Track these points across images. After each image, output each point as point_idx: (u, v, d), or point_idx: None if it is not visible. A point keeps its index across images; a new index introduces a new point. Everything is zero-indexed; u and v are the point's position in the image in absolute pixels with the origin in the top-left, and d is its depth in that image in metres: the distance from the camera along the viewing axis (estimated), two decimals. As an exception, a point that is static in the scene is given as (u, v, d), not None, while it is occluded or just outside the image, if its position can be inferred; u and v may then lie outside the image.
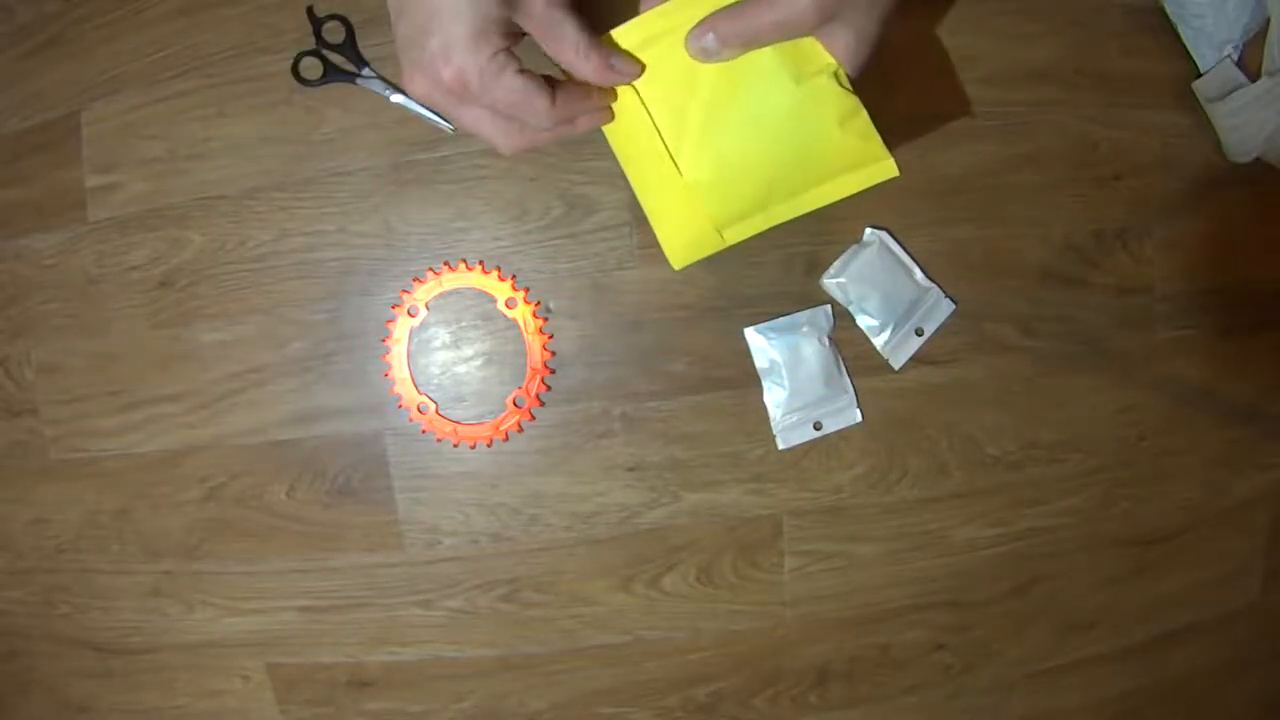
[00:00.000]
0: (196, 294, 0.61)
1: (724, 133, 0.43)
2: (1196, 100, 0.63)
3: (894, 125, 0.61)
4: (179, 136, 0.60)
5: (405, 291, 0.60)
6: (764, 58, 0.42)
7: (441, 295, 0.61)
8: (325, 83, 0.58)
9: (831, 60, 0.41)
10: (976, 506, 0.65)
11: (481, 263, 0.60)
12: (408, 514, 0.62)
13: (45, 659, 0.68)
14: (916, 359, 0.63)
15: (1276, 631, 0.73)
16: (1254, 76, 0.61)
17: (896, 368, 0.63)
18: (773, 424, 0.62)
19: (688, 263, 0.46)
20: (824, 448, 0.63)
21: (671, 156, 0.43)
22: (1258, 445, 0.69)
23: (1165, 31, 0.63)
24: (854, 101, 0.43)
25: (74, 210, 0.62)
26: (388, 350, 0.61)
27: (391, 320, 0.60)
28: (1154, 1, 0.63)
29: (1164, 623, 0.70)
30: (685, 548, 0.64)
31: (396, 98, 0.58)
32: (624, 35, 0.41)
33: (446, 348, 0.61)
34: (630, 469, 0.62)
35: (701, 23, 0.39)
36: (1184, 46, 0.63)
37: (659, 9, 0.41)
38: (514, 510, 0.63)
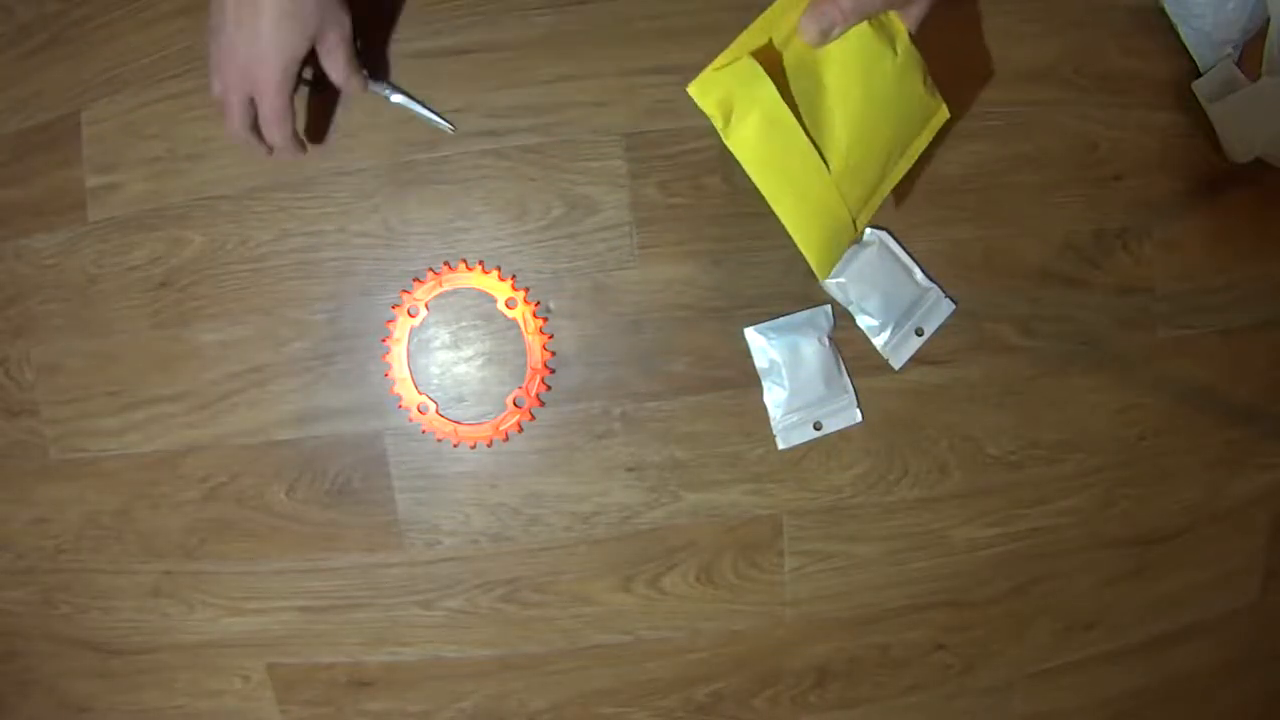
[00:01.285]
0: (196, 294, 0.61)
1: (850, 117, 0.43)
2: (1196, 100, 0.63)
3: (894, 125, 0.62)
4: (179, 136, 0.60)
5: (405, 291, 0.60)
6: (866, 36, 0.43)
7: (441, 295, 0.61)
8: (323, 85, 0.58)
9: (904, 26, 0.45)
10: (976, 506, 0.65)
11: (481, 263, 0.60)
12: (408, 514, 0.62)
13: (45, 659, 0.68)
14: (916, 359, 0.63)
15: (1276, 631, 0.73)
16: (1254, 76, 0.61)
17: (896, 368, 0.63)
18: (773, 424, 0.62)
19: (832, 268, 0.46)
20: (824, 448, 0.63)
21: (820, 153, 0.42)
22: (1258, 445, 0.69)
23: (1165, 31, 0.63)
24: (924, 62, 0.46)
25: (74, 210, 0.62)
26: (388, 350, 0.61)
27: (391, 320, 0.60)
28: (1154, 1, 0.63)
29: (1164, 623, 0.70)
30: (685, 548, 0.64)
31: (397, 98, 0.58)
32: (751, 40, 0.41)
33: (446, 348, 0.61)
34: (630, 469, 0.62)
35: (816, 4, 0.41)
36: (1184, 46, 0.63)
37: (768, 15, 0.41)
38: (514, 510, 0.63)
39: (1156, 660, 0.71)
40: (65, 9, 0.61)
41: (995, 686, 0.69)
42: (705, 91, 0.40)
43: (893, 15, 0.44)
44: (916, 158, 0.48)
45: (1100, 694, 0.71)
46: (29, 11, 0.62)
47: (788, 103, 0.41)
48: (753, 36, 0.41)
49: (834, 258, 0.46)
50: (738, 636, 0.65)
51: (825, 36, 0.41)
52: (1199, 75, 0.63)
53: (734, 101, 0.40)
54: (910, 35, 0.45)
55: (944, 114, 0.48)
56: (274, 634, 0.65)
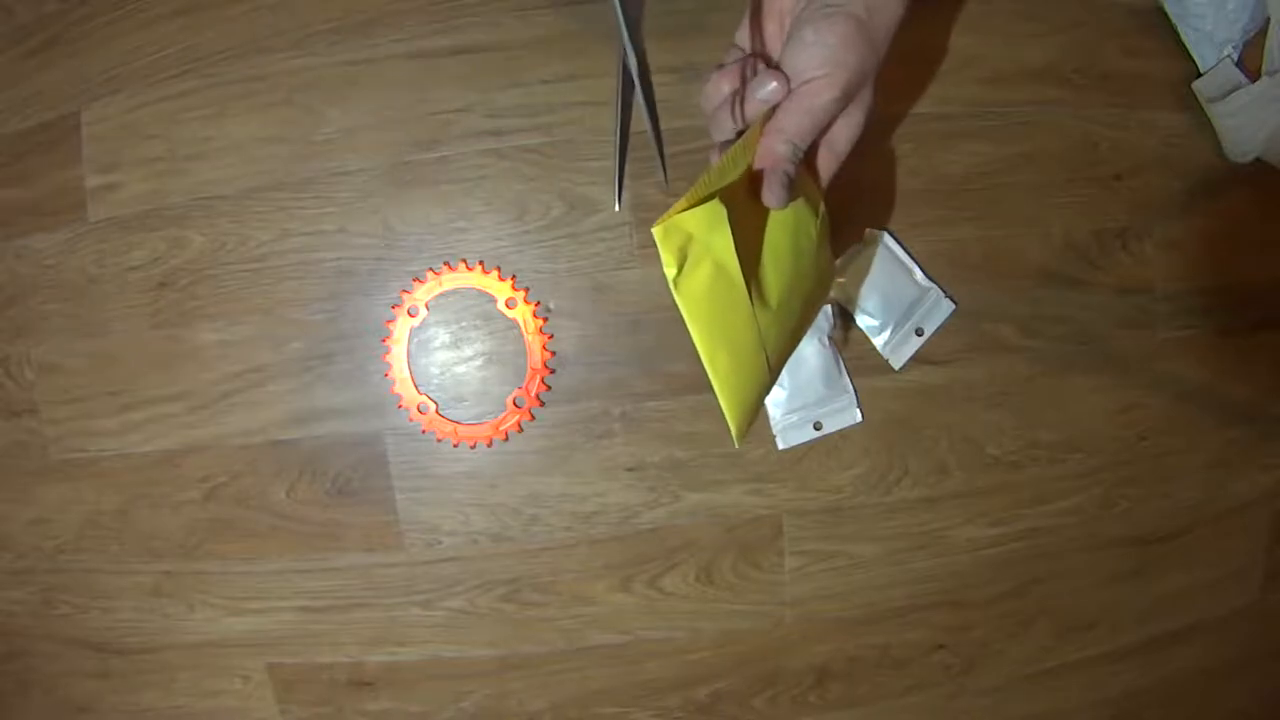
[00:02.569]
0: (196, 294, 0.61)
1: (783, 278, 0.42)
2: (1196, 100, 0.63)
3: (895, 125, 0.62)
4: (179, 136, 0.61)
5: (405, 291, 0.60)
6: (798, 200, 0.42)
7: (441, 295, 0.61)
8: None
9: (820, 194, 0.44)
10: (976, 506, 0.65)
11: (481, 263, 0.60)
12: (408, 514, 0.62)
13: (45, 659, 0.68)
14: (916, 359, 0.63)
15: (1276, 631, 0.73)
16: (1254, 76, 0.61)
17: (896, 368, 0.63)
18: (773, 424, 0.62)
19: (748, 429, 0.43)
20: (824, 448, 0.63)
21: (752, 307, 0.40)
22: (1258, 445, 0.69)
23: (1165, 31, 0.63)
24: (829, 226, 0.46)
25: (74, 210, 0.62)
26: (388, 350, 0.61)
27: (391, 320, 0.60)
28: (1154, 1, 0.63)
29: (1164, 623, 0.70)
30: (685, 548, 0.64)
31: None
32: (705, 189, 0.38)
33: (446, 348, 0.61)
34: (630, 469, 0.62)
35: (767, 162, 0.39)
36: (1184, 46, 0.63)
37: (724, 163, 0.39)
38: (514, 510, 0.63)
39: (1156, 660, 0.71)
40: (65, 9, 0.61)
41: (995, 686, 0.69)
42: (668, 235, 0.36)
43: (813, 186, 0.44)
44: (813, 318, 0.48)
45: (1100, 694, 0.71)
46: (29, 11, 0.62)
47: (741, 243, 0.38)
48: (706, 186, 0.38)
49: (751, 419, 0.43)
50: (738, 636, 0.65)
51: (789, 192, 0.40)
52: (1199, 75, 0.63)
53: (690, 248, 0.37)
54: (821, 192, 0.45)
55: (833, 285, 0.48)
56: (274, 634, 0.65)
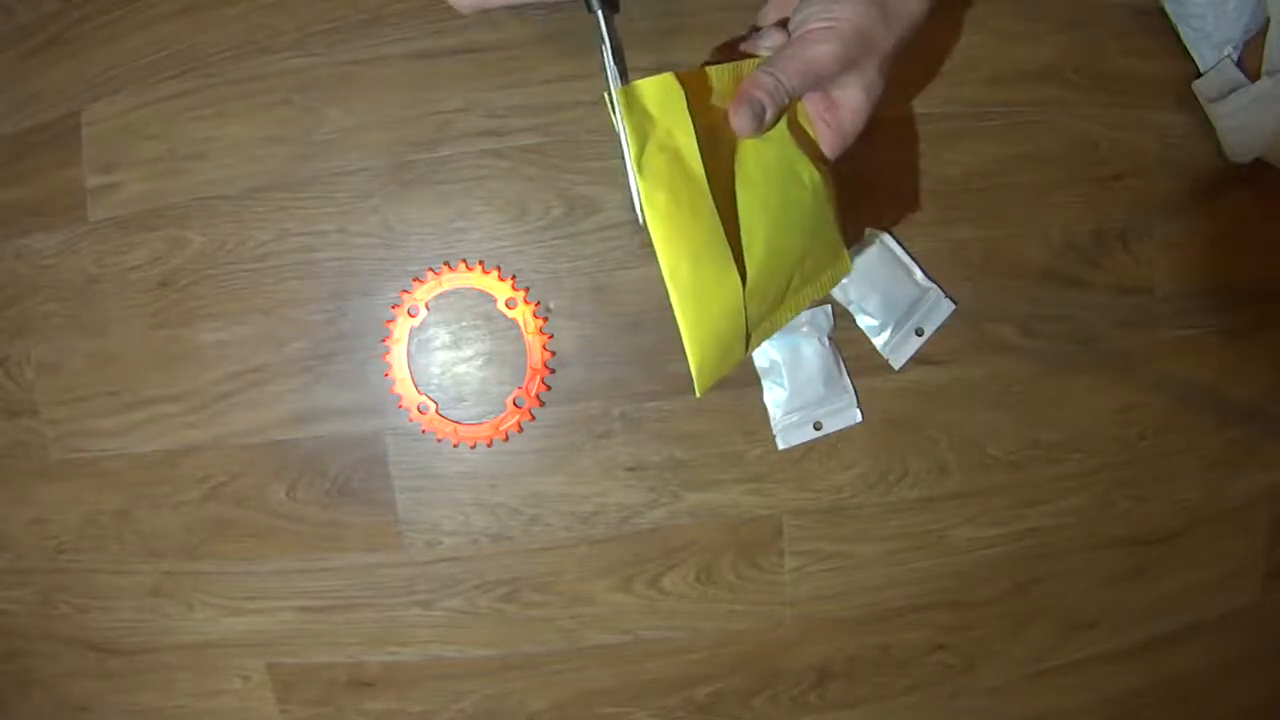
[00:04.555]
0: (196, 294, 0.61)
1: (765, 223, 0.40)
2: (1196, 100, 0.63)
3: (894, 126, 0.62)
4: (179, 136, 0.61)
5: (405, 291, 0.60)
6: (788, 143, 0.41)
7: (441, 295, 0.61)
8: None
9: (823, 169, 0.42)
10: (976, 506, 0.65)
11: (481, 263, 0.60)
12: (408, 514, 0.62)
13: (45, 659, 0.68)
14: (916, 359, 0.63)
15: (1276, 631, 0.73)
16: (1254, 76, 0.61)
17: (896, 368, 0.63)
18: (773, 424, 0.62)
19: (710, 384, 0.40)
20: (824, 448, 0.63)
21: (736, 256, 0.38)
22: (1258, 445, 0.69)
23: (1165, 31, 0.63)
24: (837, 194, 0.43)
25: (74, 210, 0.62)
26: (388, 350, 0.61)
27: (391, 320, 0.60)
28: (1154, 1, 0.63)
29: (1164, 623, 0.70)
30: (685, 548, 0.64)
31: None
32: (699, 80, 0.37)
33: (446, 348, 0.61)
34: (630, 469, 0.62)
35: (745, 87, 0.39)
36: (1184, 46, 0.63)
37: (706, 72, 0.38)
38: (514, 510, 0.63)
39: (1156, 660, 0.71)
40: (65, 9, 0.61)
41: (995, 686, 0.69)
42: (630, 107, 0.34)
43: (817, 143, 0.43)
44: (811, 302, 0.44)
45: (1100, 694, 0.71)
46: (29, 11, 0.62)
47: (717, 191, 0.37)
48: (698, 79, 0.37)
49: (716, 371, 0.40)
50: (738, 636, 0.65)
51: (759, 121, 0.39)
52: (1199, 75, 0.63)
53: (652, 130, 0.35)
54: (828, 166, 0.43)
55: (846, 267, 0.45)
56: (274, 634, 0.65)
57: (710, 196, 0.37)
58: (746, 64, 0.40)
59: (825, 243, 0.44)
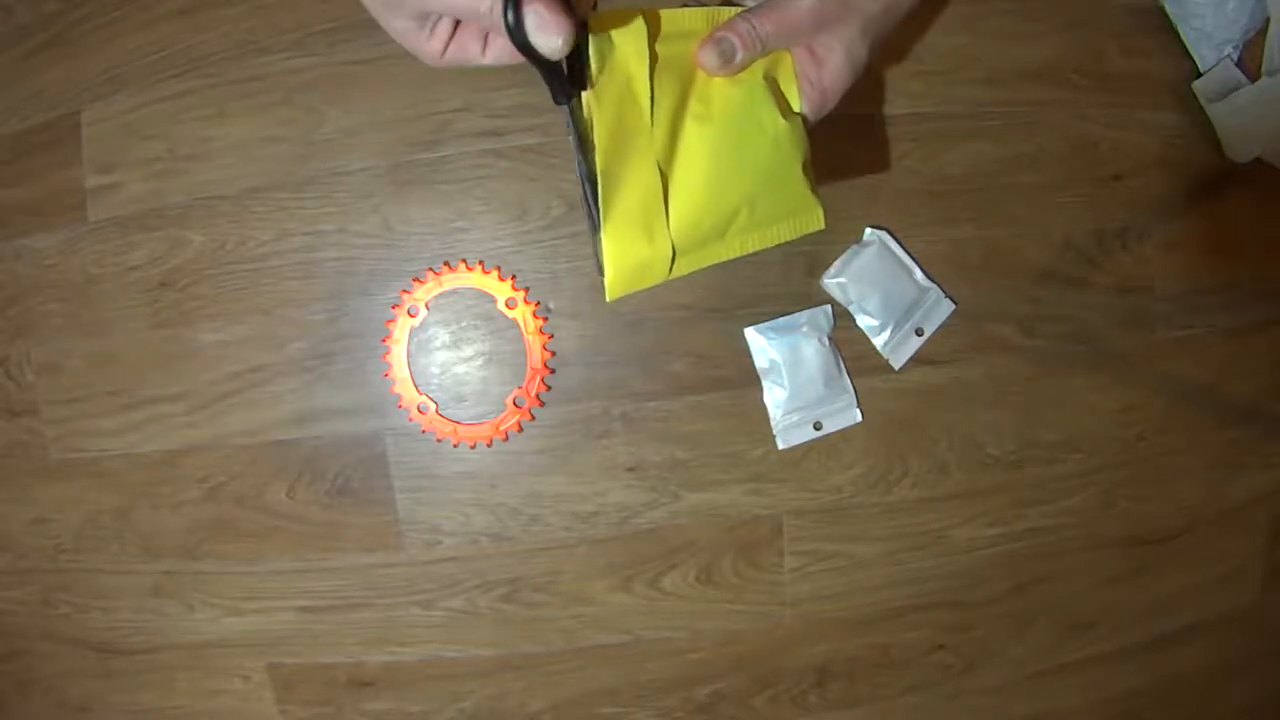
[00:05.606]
0: (196, 294, 0.61)
1: (709, 156, 0.41)
2: (1196, 100, 0.63)
3: (895, 126, 0.62)
4: (179, 136, 0.61)
5: (405, 291, 0.60)
6: (757, 90, 0.42)
7: (441, 295, 0.61)
8: None
9: (804, 109, 0.43)
10: (976, 506, 0.65)
11: (481, 263, 0.60)
12: (408, 514, 0.62)
13: (45, 659, 0.68)
14: (916, 359, 0.63)
15: (1276, 631, 0.73)
16: (1254, 76, 0.61)
17: (896, 368, 0.63)
18: (773, 424, 0.62)
19: (623, 294, 0.40)
20: (824, 448, 0.63)
21: (660, 164, 0.40)
22: (1258, 445, 0.69)
23: (1165, 31, 0.63)
24: (809, 149, 0.43)
25: (74, 210, 0.62)
26: (388, 350, 0.61)
27: (391, 320, 0.60)
28: (1154, 1, 0.63)
29: (1164, 623, 0.70)
30: (685, 548, 0.64)
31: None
32: (645, 23, 0.39)
33: (446, 348, 0.61)
34: (630, 469, 0.62)
35: (719, 29, 0.40)
36: (1184, 46, 0.63)
37: (681, 12, 0.40)
38: (514, 510, 0.63)
39: (1156, 660, 0.71)
40: (65, 9, 0.61)
41: (995, 686, 0.69)
42: (598, 32, 0.37)
43: (794, 91, 0.43)
44: (767, 245, 0.44)
45: (1100, 694, 0.71)
46: (29, 11, 0.62)
47: (664, 94, 0.39)
48: (681, 19, 0.39)
49: (630, 283, 0.40)
50: (738, 636, 0.65)
51: (727, 61, 0.39)
52: (1199, 75, 0.63)
53: (612, 58, 0.38)
54: (803, 124, 0.43)
55: (818, 222, 0.45)
56: (274, 634, 0.65)
57: (649, 122, 0.39)
58: (726, 11, 0.41)
59: (788, 193, 0.45)
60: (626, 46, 0.38)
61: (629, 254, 0.40)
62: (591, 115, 0.38)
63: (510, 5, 0.32)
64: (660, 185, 0.40)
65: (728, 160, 0.41)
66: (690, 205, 0.41)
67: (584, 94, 0.38)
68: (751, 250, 0.44)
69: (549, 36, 0.32)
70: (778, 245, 0.45)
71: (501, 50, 0.39)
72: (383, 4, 0.36)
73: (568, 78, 0.37)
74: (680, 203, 0.41)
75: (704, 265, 0.43)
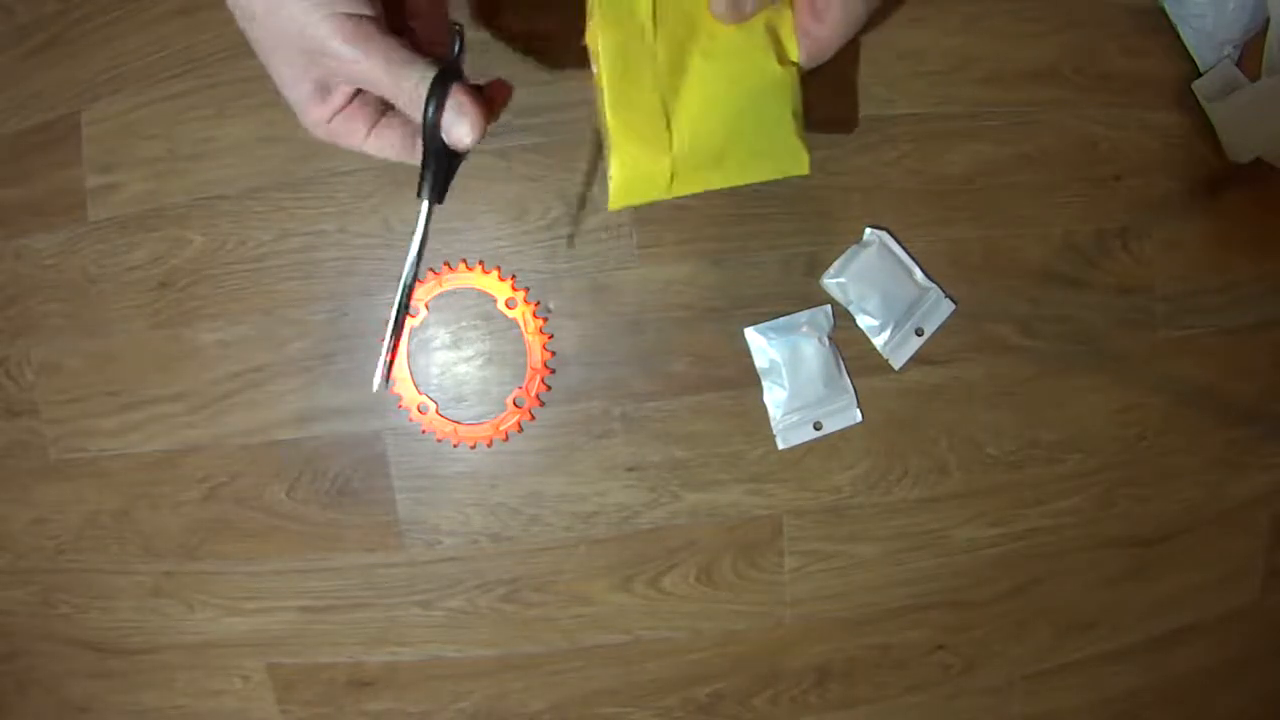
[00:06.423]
0: (196, 294, 0.61)
1: (710, 89, 0.44)
2: (1196, 100, 0.63)
3: (894, 126, 0.62)
4: (179, 136, 0.60)
5: (405, 291, 0.60)
6: (758, 36, 0.44)
7: (441, 295, 0.61)
8: None
9: (799, 57, 0.45)
10: (976, 506, 0.65)
11: (481, 263, 0.60)
12: (408, 514, 0.62)
13: (45, 659, 0.68)
14: (916, 359, 0.63)
15: (1276, 631, 0.73)
16: (1254, 76, 0.61)
17: (896, 368, 0.63)
18: (773, 424, 0.62)
19: (626, 204, 0.44)
20: (824, 448, 0.63)
21: (663, 91, 0.43)
22: (1258, 445, 0.69)
23: (1165, 31, 0.63)
24: (800, 100, 0.45)
25: (74, 210, 0.62)
26: (388, 350, 0.61)
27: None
28: (1154, 1, 0.63)
29: (1164, 623, 0.70)
30: (685, 548, 0.64)
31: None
32: None
33: (446, 348, 0.61)
34: (630, 469, 0.62)
35: None
36: (1184, 46, 0.63)
37: None
38: (514, 510, 0.63)
39: (1156, 660, 0.71)
40: (65, 9, 0.61)
41: (995, 686, 0.69)
42: None
43: (794, 44, 0.45)
44: (751, 181, 0.47)
45: (1100, 694, 0.71)
46: (29, 11, 0.62)
47: (669, 19, 0.41)
48: None
49: (634, 193, 0.44)
50: (738, 636, 0.65)
51: (737, 10, 0.41)
52: (1199, 75, 0.63)
53: None
54: (799, 71, 0.45)
55: (804, 167, 0.49)
56: (274, 634, 0.65)
57: (652, 48, 0.42)
58: None
59: (778, 136, 0.47)
60: None
61: (636, 163, 0.43)
62: (598, 36, 0.41)
63: (436, 86, 0.32)
64: (662, 108, 0.43)
65: (726, 95, 0.44)
66: (690, 131, 0.43)
67: (591, 19, 0.40)
68: (738, 183, 0.47)
69: (464, 128, 0.33)
70: (762, 183, 0.46)
71: (387, 142, 0.39)
72: (283, 58, 0.35)
73: (447, 178, 0.37)
74: (681, 127, 0.43)
75: (697, 190, 0.46)
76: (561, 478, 0.62)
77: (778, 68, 0.45)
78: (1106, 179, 0.64)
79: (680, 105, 0.43)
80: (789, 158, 0.48)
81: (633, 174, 0.43)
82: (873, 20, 0.44)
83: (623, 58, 0.42)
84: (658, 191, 0.44)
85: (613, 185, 0.42)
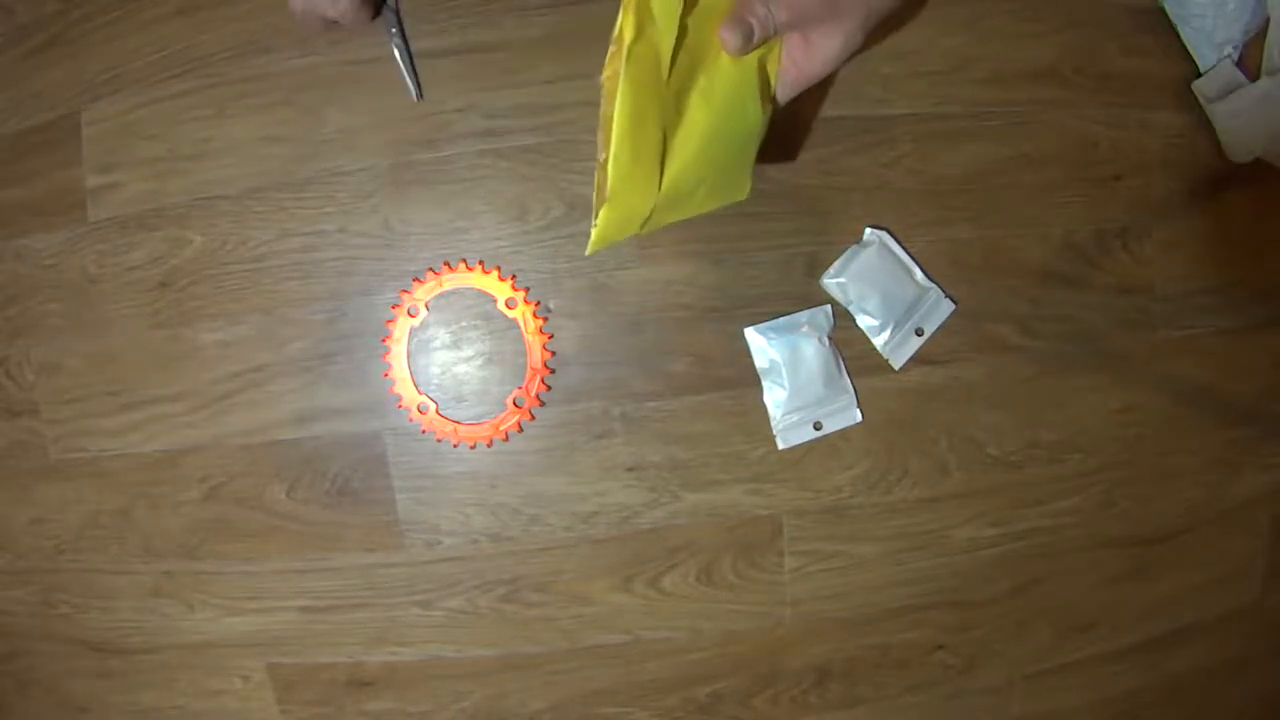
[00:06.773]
0: (196, 294, 0.61)
1: (703, 131, 0.44)
2: (1196, 100, 0.63)
3: (894, 126, 0.62)
4: (179, 136, 0.61)
5: (405, 291, 0.60)
6: (750, 76, 0.44)
7: (441, 295, 0.61)
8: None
9: (779, 92, 0.46)
10: (976, 506, 0.65)
11: (481, 263, 0.60)
12: (408, 514, 0.62)
13: (45, 659, 0.68)
14: (916, 359, 0.63)
15: (1276, 631, 0.73)
16: (1254, 76, 0.61)
17: (896, 368, 0.63)
18: (773, 424, 0.62)
19: (603, 248, 0.44)
20: (824, 448, 0.63)
21: (665, 130, 0.43)
22: (1258, 445, 0.69)
23: (1165, 31, 0.63)
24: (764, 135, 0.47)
25: (74, 210, 0.62)
26: (388, 350, 0.61)
27: (391, 320, 0.60)
28: (1154, 1, 0.63)
29: (1164, 623, 0.70)
30: (685, 548, 0.64)
31: (396, 44, 0.57)
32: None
33: (446, 348, 0.61)
34: (630, 469, 0.62)
35: (739, 10, 0.42)
36: (1184, 46, 0.63)
37: None
38: (514, 510, 0.63)
39: (1156, 660, 0.71)
40: (65, 9, 0.61)
41: (995, 686, 0.69)
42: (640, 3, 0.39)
43: (773, 86, 0.46)
44: (701, 213, 0.48)
45: (1100, 694, 0.71)
46: (29, 12, 0.62)
47: (682, 63, 0.41)
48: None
49: (611, 236, 0.44)
50: (738, 636, 0.65)
51: (747, 42, 0.42)
52: (1199, 75, 0.63)
53: (647, 28, 0.40)
54: (772, 108, 0.46)
55: (744, 193, 0.50)
56: (274, 634, 0.65)
57: (663, 97, 0.42)
58: None
59: (739, 169, 0.49)
60: (662, 24, 0.40)
61: (623, 211, 0.43)
62: (620, 72, 0.40)
63: None
64: (662, 151, 0.43)
65: (714, 142, 0.45)
66: (676, 177, 0.44)
67: (614, 50, 0.40)
68: (691, 216, 0.48)
69: None
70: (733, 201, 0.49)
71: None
72: None
73: None
74: (673, 168, 0.44)
75: (659, 227, 0.46)
76: (561, 478, 0.62)
77: (758, 111, 0.45)
78: (1106, 179, 0.64)
79: (674, 151, 0.43)
80: (738, 189, 0.50)
81: (619, 219, 0.43)
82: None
83: (638, 111, 0.41)
84: (631, 232, 0.45)
85: (595, 232, 0.43)
